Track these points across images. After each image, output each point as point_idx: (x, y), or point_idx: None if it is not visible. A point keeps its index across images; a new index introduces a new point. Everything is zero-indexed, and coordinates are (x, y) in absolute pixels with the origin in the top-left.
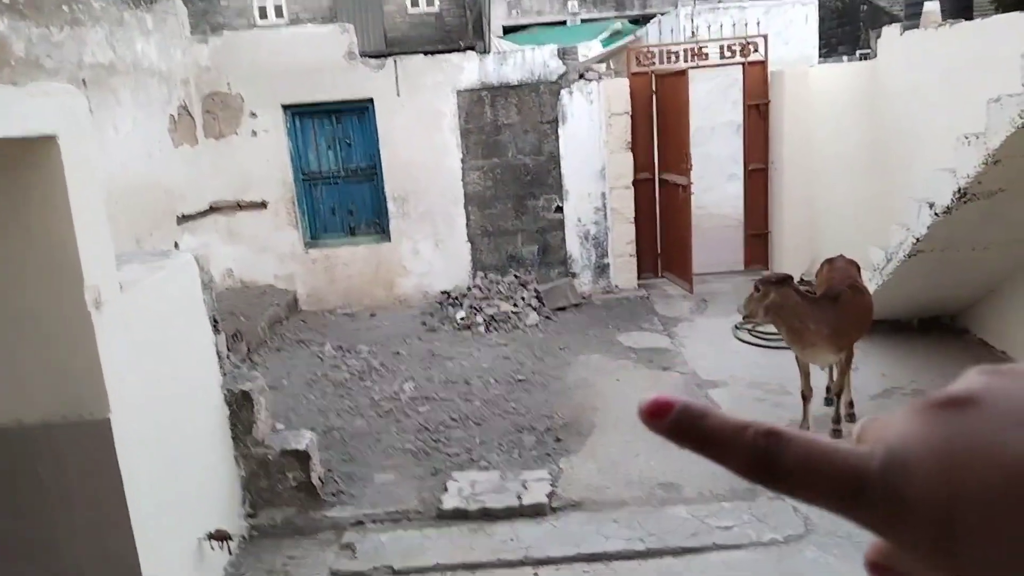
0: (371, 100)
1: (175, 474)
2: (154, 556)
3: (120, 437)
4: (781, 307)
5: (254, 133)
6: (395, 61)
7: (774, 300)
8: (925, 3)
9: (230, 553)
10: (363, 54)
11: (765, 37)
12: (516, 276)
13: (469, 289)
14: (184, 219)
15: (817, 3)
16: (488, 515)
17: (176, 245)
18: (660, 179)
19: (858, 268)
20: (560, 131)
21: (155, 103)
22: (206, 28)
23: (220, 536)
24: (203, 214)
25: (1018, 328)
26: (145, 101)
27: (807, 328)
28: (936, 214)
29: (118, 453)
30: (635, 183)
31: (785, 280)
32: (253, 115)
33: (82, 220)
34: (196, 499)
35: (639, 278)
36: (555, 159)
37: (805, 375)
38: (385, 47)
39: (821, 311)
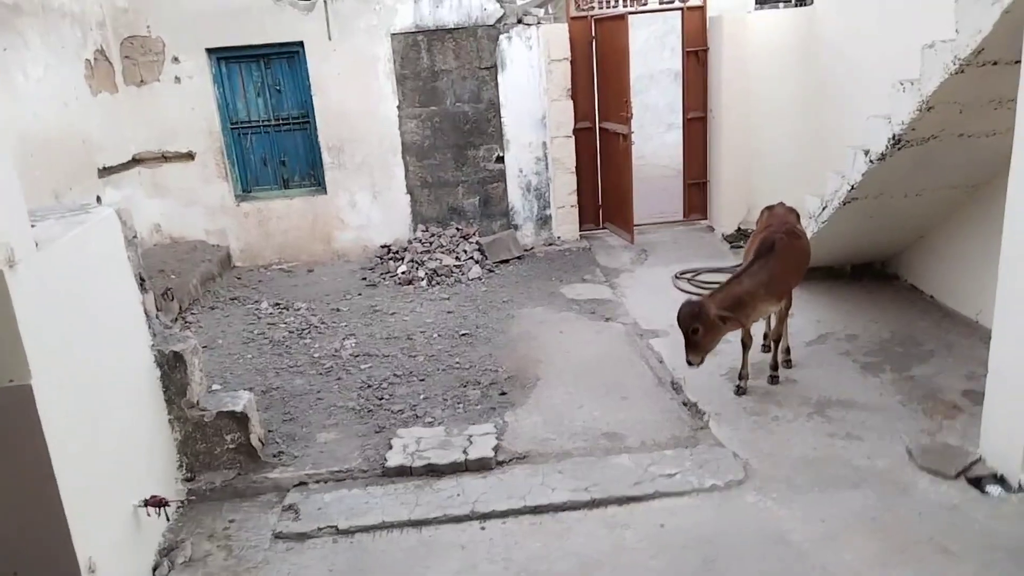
0: (301, 44)
1: (105, 440)
2: (86, 526)
3: (43, 403)
4: (727, 319)
5: (177, 79)
6: (325, 3)
7: (723, 319)
8: None
9: (168, 519)
10: None
11: None
12: (458, 228)
13: (410, 242)
14: (105, 171)
15: None
16: (433, 471)
17: (98, 199)
18: (600, 128)
19: (797, 216)
20: (499, 78)
21: (68, 47)
22: None
23: (156, 502)
24: (126, 166)
25: (944, 273)
26: (57, 45)
27: (755, 306)
28: (871, 161)
29: (42, 420)
30: (576, 132)
31: (704, 305)
32: (176, 60)
33: None
34: (129, 465)
35: (581, 229)
36: (495, 107)
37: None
38: None
39: (754, 277)
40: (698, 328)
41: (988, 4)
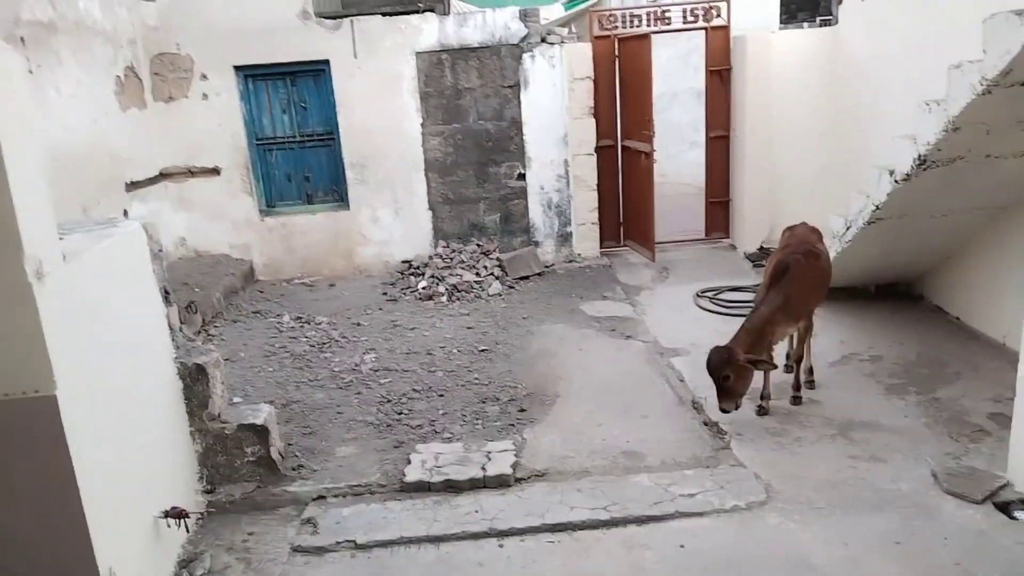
0: (327, 62)
1: (127, 451)
2: (107, 536)
3: (67, 414)
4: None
5: (205, 96)
6: (351, 22)
7: (751, 361)
8: None
9: (187, 531)
10: (318, 14)
11: (728, 1)
12: (478, 245)
13: (431, 258)
14: (133, 186)
15: None
16: (452, 487)
17: (125, 213)
18: (622, 146)
19: (819, 235)
20: (522, 96)
21: (100, 64)
22: None
23: (176, 514)
24: (153, 181)
25: (971, 294)
26: (89, 62)
27: (774, 332)
28: (896, 181)
29: (66, 431)
30: (597, 150)
31: (732, 351)
32: (204, 77)
33: (19, 187)
34: (150, 476)
35: (602, 246)
36: (517, 125)
37: None
38: (341, 7)
39: (771, 304)
40: (729, 375)
41: (1018, 24)
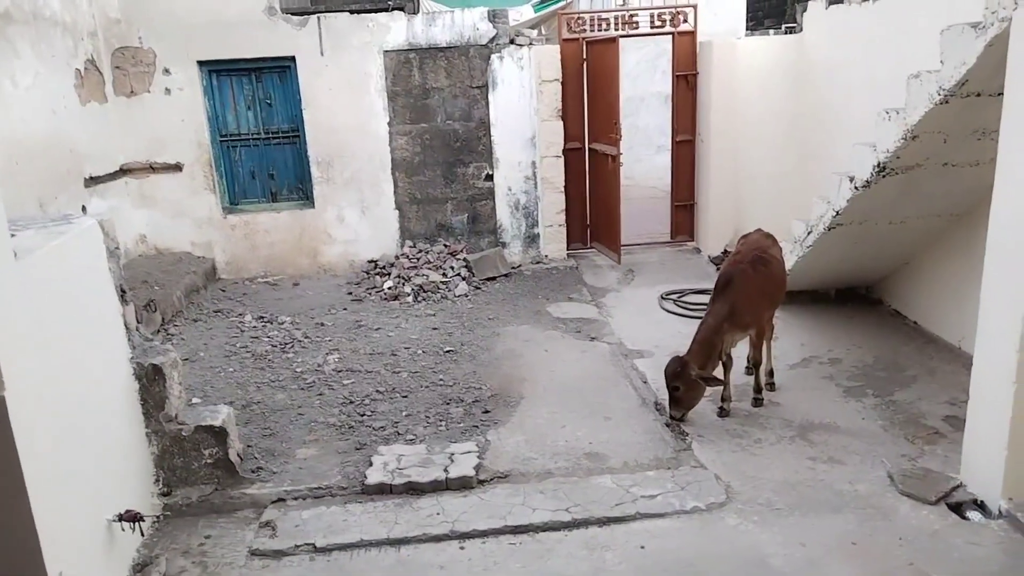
0: (293, 59)
1: (80, 454)
2: (57, 541)
3: (16, 416)
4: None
5: (168, 91)
6: (319, 19)
7: (701, 378)
8: None
9: (142, 535)
10: (285, 10)
11: (695, 7)
12: (445, 245)
13: (397, 258)
14: (92, 181)
15: None
16: (414, 489)
17: (84, 208)
18: (590, 149)
19: (774, 240)
20: (490, 97)
21: (59, 56)
22: None
23: (131, 517)
24: (113, 176)
25: (928, 299)
26: (48, 54)
27: (723, 340)
28: (856, 188)
29: (15, 432)
30: (565, 152)
31: (686, 364)
32: (167, 72)
33: None
34: (104, 479)
35: (568, 248)
36: (485, 126)
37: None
38: (310, 3)
39: (717, 315)
40: (679, 386)
41: (972, 37)
